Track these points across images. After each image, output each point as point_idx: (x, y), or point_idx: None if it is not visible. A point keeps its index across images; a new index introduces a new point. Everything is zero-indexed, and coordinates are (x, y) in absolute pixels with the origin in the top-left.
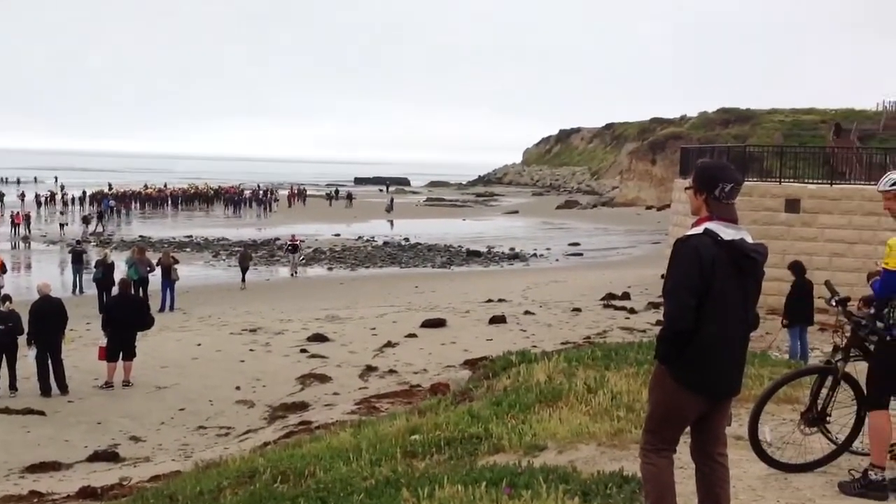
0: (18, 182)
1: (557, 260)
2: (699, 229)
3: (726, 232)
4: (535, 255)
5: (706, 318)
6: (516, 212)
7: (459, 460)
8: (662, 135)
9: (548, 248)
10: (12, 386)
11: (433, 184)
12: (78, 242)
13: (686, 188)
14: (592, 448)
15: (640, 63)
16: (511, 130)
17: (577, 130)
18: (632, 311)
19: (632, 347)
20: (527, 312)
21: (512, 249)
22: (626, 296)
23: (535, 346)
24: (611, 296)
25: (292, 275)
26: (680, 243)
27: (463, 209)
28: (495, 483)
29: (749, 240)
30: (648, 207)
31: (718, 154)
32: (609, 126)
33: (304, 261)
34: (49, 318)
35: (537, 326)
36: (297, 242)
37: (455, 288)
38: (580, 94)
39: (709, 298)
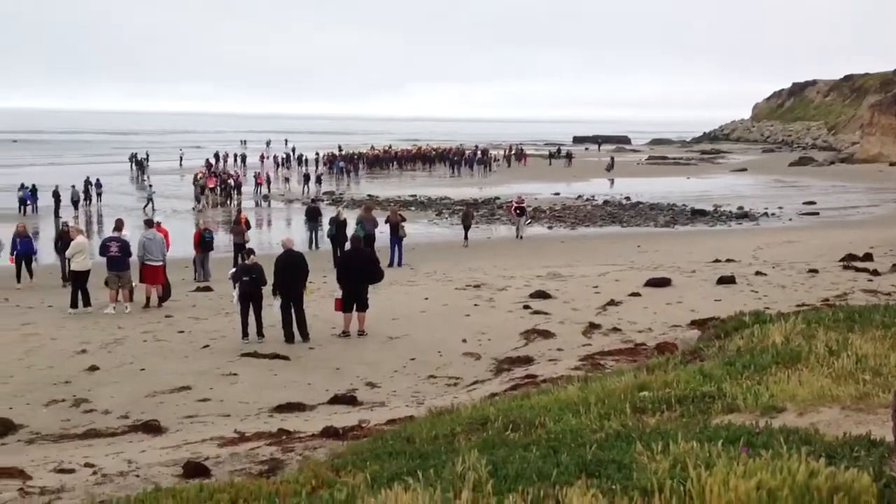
0: (268, 144)
1: (790, 219)
2: None
3: None
4: (765, 213)
5: None
6: (745, 169)
7: (692, 418)
8: None
9: (780, 207)
10: (260, 333)
11: (655, 141)
12: (313, 201)
13: None
14: (836, 411)
15: (880, 9)
16: (739, 85)
17: (813, 83)
18: (875, 272)
19: (877, 310)
20: (758, 273)
21: (740, 208)
22: (868, 257)
23: (767, 308)
24: (851, 257)
25: (519, 237)
26: None
27: (687, 167)
28: (731, 442)
29: None
30: (892, 164)
31: None
32: (848, 78)
33: (531, 223)
34: (292, 270)
35: (770, 287)
36: (524, 205)
37: (679, 247)
38: (815, 45)
39: None
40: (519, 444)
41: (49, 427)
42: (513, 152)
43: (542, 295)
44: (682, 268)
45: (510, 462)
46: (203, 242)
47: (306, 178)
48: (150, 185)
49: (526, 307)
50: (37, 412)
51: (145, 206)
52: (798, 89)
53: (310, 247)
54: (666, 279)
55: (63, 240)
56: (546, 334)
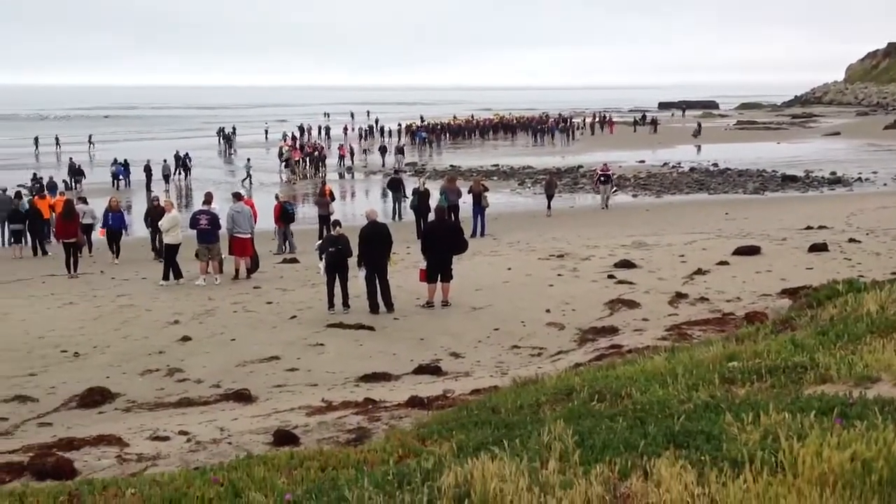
0: (352, 116)
1: (885, 184)
2: None
3: None
4: (859, 179)
5: None
6: (838, 133)
7: (783, 389)
8: None
9: (874, 172)
10: (345, 303)
11: (744, 106)
12: (396, 172)
13: None
14: None
15: None
16: (831, 46)
17: None
18: None
19: None
20: (851, 240)
21: (833, 173)
22: None
23: (861, 276)
24: None
25: (604, 207)
26: None
27: (777, 132)
28: (824, 412)
29: None
30: None
31: None
32: None
33: (616, 192)
34: (376, 241)
35: (864, 255)
36: (609, 173)
37: (769, 214)
38: None
39: None
40: (605, 414)
41: (144, 396)
42: (597, 120)
43: (626, 264)
44: (772, 235)
45: (596, 432)
46: (285, 215)
47: (383, 149)
48: (248, 160)
49: (610, 277)
50: (133, 381)
51: (244, 179)
52: (894, 49)
53: (393, 218)
54: (755, 247)
55: (152, 214)
56: (631, 304)
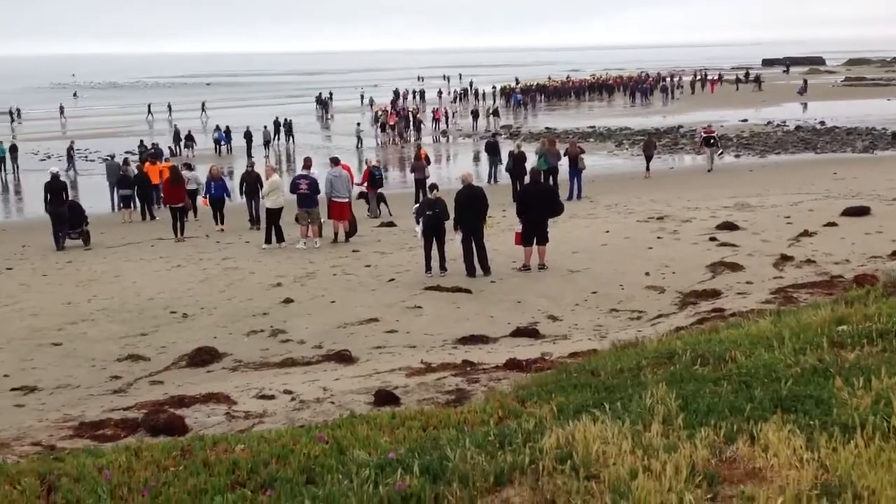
0: (448, 80)
1: None
2: None
3: None
4: None
5: None
6: None
7: (895, 353)
8: None
9: None
10: (442, 267)
11: (852, 62)
12: (492, 135)
13: None
14: None
15: None
16: None
17: None
18: None
19: None
20: None
21: None
22: None
23: None
24: None
25: (709, 170)
26: None
27: (888, 88)
28: None
29: None
30: None
31: None
32: None
33: (722, 154)
34: (472, 204)
35: None
36: (713, 134)
37: (879, 174)
38: None
39: None
40: (708, 378)
41: (250, 356)
42: (697, 78)
43: (729, 226)
44: (883, 195)
45: (700, 396)
46: (373, 180)
47: (475, 113)
48: (358, 124)
49: (712, 239)
50: (238, 342)
51: (357, 144)
52: None
53: (489, 181)
54: (865, 208)
55: (247, 181)
56: (734, 267)
